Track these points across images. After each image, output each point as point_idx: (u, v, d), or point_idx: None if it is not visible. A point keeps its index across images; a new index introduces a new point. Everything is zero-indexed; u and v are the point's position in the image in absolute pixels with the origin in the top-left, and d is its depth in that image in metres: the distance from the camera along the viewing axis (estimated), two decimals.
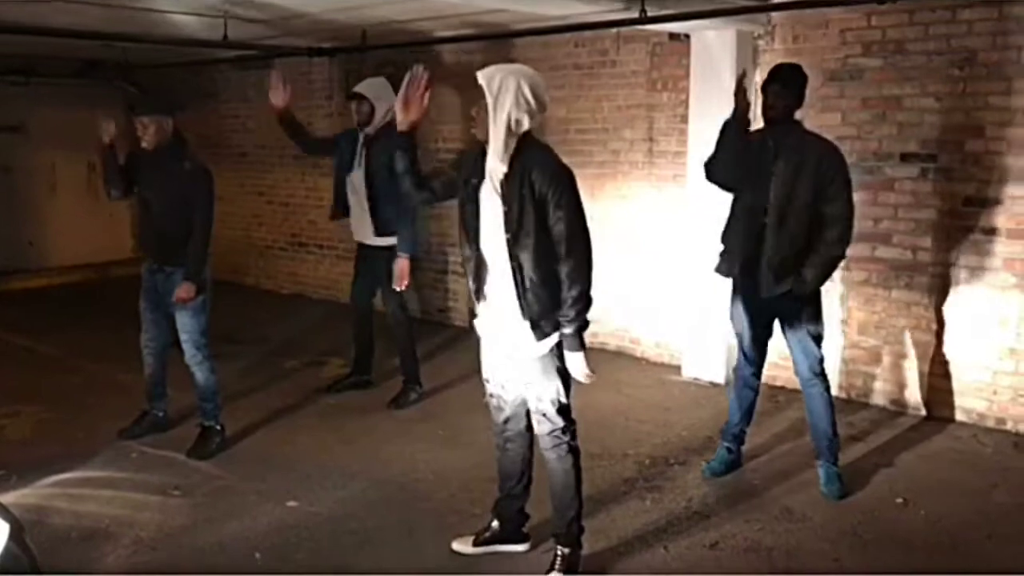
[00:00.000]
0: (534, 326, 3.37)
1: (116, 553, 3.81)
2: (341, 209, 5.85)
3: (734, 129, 4.40)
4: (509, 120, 3.26)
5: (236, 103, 9.89)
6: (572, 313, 3.34)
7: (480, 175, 3.41)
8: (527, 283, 3.34)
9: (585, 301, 3.36)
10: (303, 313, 8.60)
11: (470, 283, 3.58)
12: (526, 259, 3.32)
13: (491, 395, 3.68)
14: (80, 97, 10.19)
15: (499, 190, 3.33)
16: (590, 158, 6.94)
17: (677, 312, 6.48)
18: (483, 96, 3.30)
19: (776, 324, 4.51)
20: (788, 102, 4.27)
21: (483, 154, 3.41)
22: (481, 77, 3.31)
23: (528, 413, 3.65)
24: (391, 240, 5.62)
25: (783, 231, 4.23)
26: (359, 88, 5.66)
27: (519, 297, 3.35)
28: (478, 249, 3.47)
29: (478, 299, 3.56)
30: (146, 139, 4.78)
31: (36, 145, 10.23)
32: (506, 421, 3.68)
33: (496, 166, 3.33)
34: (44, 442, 5.10)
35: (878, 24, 5.48)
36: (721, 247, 4.54)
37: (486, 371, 3.66)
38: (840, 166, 4.26)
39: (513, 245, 3.32)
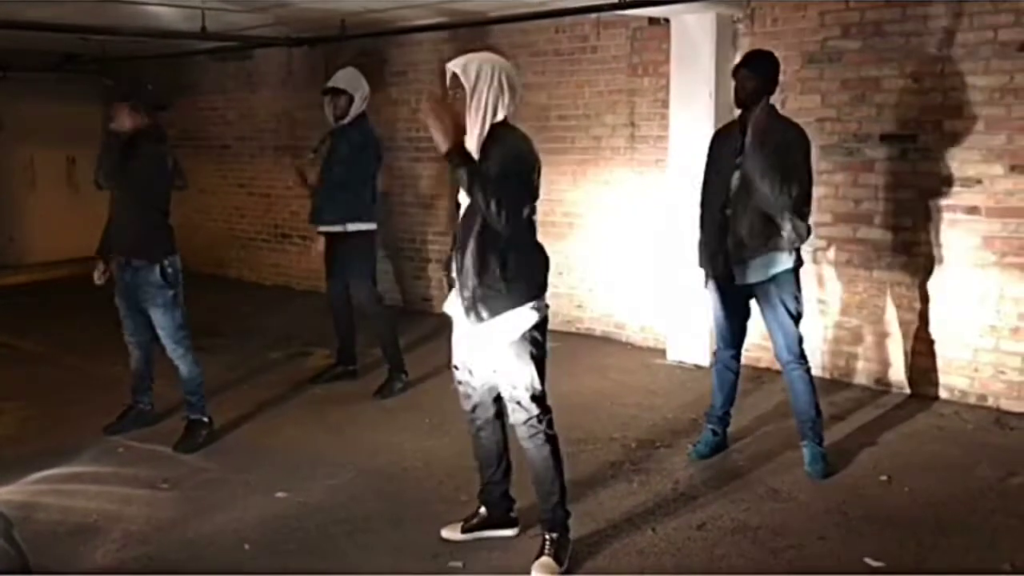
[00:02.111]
0: (469, 309, 3.39)
1: (105, 547, 3.80)
2: None
3: None
4: (486, 109, 3.30)
5: (215, 95, 9.84)
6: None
7: None
8: (488, 264, 3.34)
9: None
10: (287, 304, 8.59)
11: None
12: (490, 241, 3.33)
13: (459, 382, 3.68)
14: (58, 91, 10.13)
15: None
16: (572, 144, 6.95)
17: (661, 296, 6.51)
18: (456, 87, 3.32)
19: (755, 308, 4.55)
20: (755, 86, 4.30)
21: None
22: (455, 66, 3.32)
23: (496, 399, 3.66)
24: (351, 226, 5.68)
25: (743, 218, 4.26)
26: (334, 82, 5.65)
27: (476, 276, 3.34)
28: (455, 232, 3.50)
29: (450, 284, 3.56)
30: (116, 123, 4.77)
31: (14, 140, 10.16)
32: (474, 408, 3.69)
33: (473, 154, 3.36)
34: (29, 439, 5.07)
35: (856, 6, 5.51)
36: (698, 239, 4.57)
37: (455, 357, 3.67)
38: (799, 145, 4.28)
39: (481, 229, 3.33)
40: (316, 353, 6.66)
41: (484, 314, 3.38)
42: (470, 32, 7.19)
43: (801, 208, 4.24)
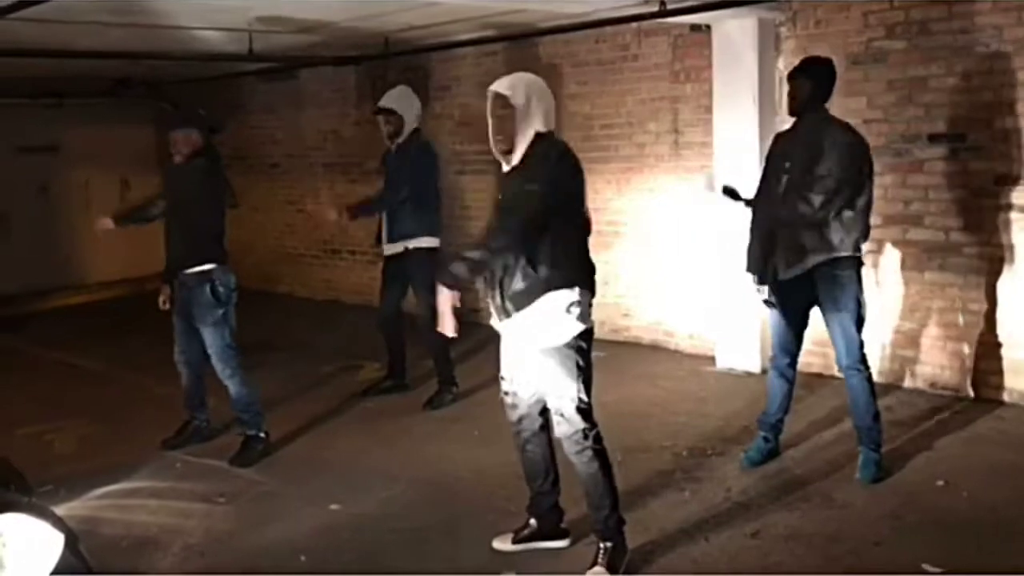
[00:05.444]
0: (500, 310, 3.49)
1: (167, 560, 3.89)
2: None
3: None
4: (532, 128, 3.43)
5: (264, 115, 10.02)
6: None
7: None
8: (504, 269, 3.43)
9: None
10: (338, 319, 8.69)
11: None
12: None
13: (506, 392, 3.70)
14: (112, 115, 10.40)
15: (503, 185, 3.51)
16: (616, 153, 6.95)
17: (710, 303, 6.47)
18: (502, 107, 3.43)
19: (812, 314, 4.50)
20: (808, 92, 4.29)
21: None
22: (504, 88, 3.44)
23: (543, 412, 3.67)
24: (412, 242, 5.72)
25: (791, 221, 4.26)
26: (385, 102, 5.70)
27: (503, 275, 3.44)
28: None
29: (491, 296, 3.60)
30: (177, 153, 4.91)
31: (70, 164, 10.45)
32: (520, 420, 3.70)
33: (509, 166, 3.50)
34: (90, 455, 5.20)
35: (900, 5, 5.45)
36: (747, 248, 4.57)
37: (503, 368, 3.69)
38: (847, 143, 4.25)
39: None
40: (367, 367, 6.73)
41: (511, 308, 3.45)
42: (512, 45, 7.24)
43: (843, 213, 4.21)
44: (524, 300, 3.42)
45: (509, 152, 3.48)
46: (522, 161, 3.46)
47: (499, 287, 3.47)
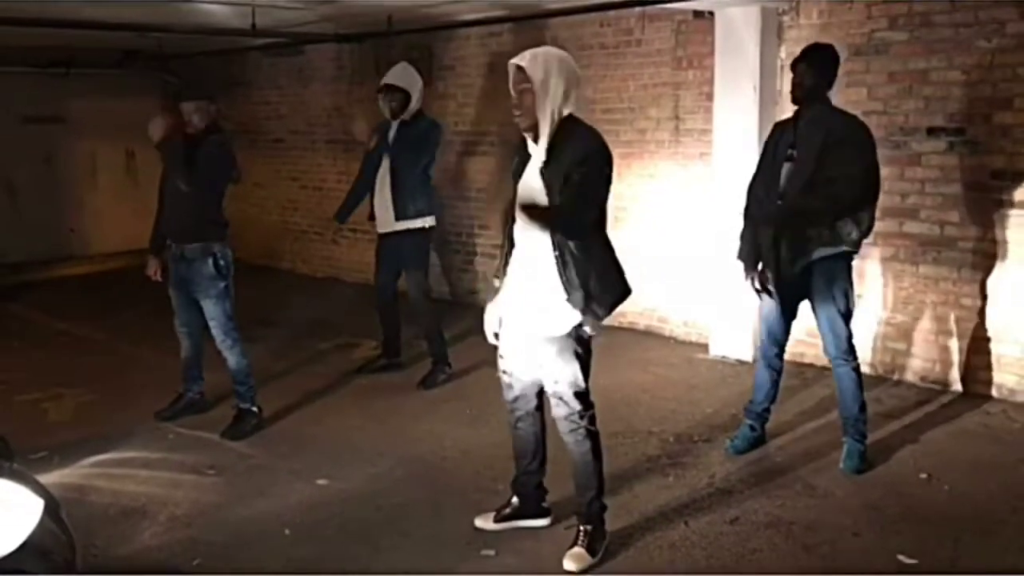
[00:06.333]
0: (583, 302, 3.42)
1: (152, 530, 3.95)
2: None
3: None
4: (555, 102, 3.32)
5: (268, 90, 10.02)
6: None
7: (524, 160, 3.48)
8: (570, 261, 3.37)
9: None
10: (337, 296, 8.72)
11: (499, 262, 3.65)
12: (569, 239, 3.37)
13: (503, 371, 3.73)
14: (119, 87, 10.42)
15: (542, 174, 3.37)
16: (616, 138, 6.93)
17: (705, 290, 6.49)
18: (522, 82, 3.33)
19: (803, 304, 4.51)
20: (815, 81, 4.27)
21: (523, 140, 3.47)
22: (521, 61, 3.34)
23: (539, 393, 3.71)
24: (414, 223, 5.73)
25: (795, 212, 4.24)
26: (390, 79, 5.70)
27: (561, 275, 3.38)
28: (511, 229, 3.55)
29: (500, 276, 3.62)
30: (192, 124, 4.89)
31: (76, 134, 10.46)
32: (516, 399, 3.73)
33: (540, 150, 3.38)
34: (85, 424, 5.26)
35: None
36: (741, 231, 4.56)
37: (502, 347, 3.71)
38: (859, 137, 4.24)
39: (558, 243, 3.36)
40: (363, 344, 6.78)
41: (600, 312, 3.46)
42: (516, 26, 7.23)
43: (851, 206, 4.20)
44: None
45: (531, 130, 3.36)
46: (556, 148, 3.34)
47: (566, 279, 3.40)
